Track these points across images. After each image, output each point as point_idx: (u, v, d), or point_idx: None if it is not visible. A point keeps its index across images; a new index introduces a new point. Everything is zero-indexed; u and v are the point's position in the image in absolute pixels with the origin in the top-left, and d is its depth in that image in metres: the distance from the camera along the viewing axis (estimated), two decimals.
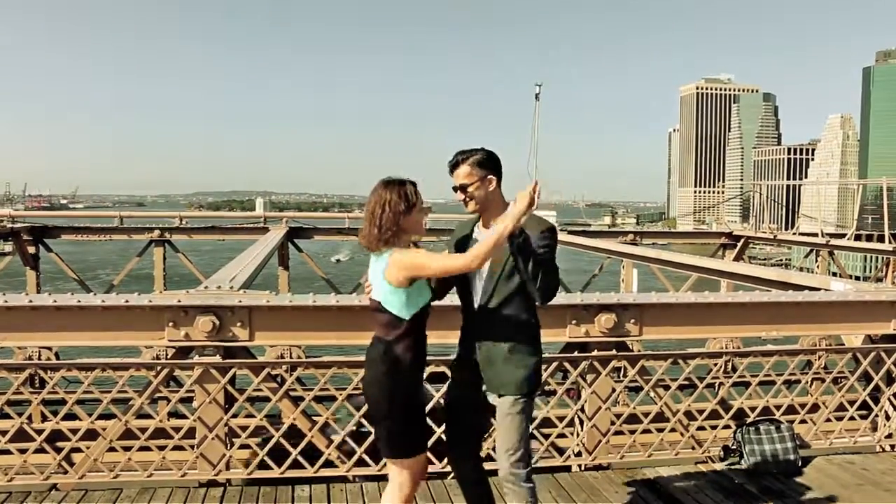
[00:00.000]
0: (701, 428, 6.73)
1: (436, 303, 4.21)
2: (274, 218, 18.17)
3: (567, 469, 6.46)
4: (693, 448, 6.66)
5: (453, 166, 4.20)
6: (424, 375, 4.24)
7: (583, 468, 6.45)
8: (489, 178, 4.18)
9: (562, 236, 15.95)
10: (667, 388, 6.92)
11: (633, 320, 6.39)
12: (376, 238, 3.93)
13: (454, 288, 4.34)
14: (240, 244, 15.63)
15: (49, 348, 11.59)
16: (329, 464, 6.18)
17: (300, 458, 6.07)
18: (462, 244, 4.28)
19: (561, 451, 6.57)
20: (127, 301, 5.85)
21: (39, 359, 11.54)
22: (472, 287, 4.23)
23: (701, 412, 6.78)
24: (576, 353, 6.45)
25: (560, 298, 6.43)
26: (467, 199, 4.19)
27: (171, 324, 5.80)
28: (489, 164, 4.20)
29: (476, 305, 4.20)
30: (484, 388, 4.26)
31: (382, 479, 5.86)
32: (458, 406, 4.42)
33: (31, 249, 15.87)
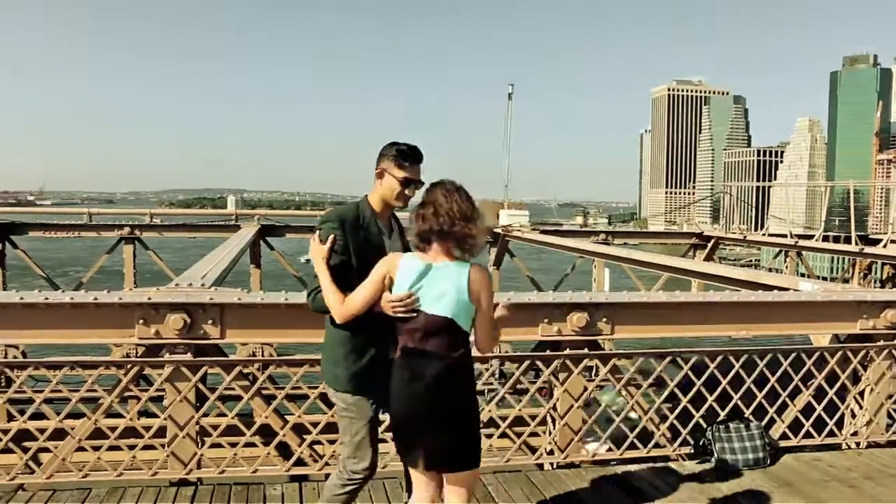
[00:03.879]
0: (672, 427, 6.78)
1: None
2: (246, 216, 18.07)
3: (539, 467, 6.50)
4: (664, 446, 6.71)
5: (419, 159, 4.14)
6: None
7: (555, 466, 6.48)
8: None
9: (534, 235, 16.07)
10: (638, 386, 6.97)
11: (605, 319, 6.43)
12: (450, 243, 3.70)
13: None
14: (211, 242, 15.51)
15: (16, 346, 11.46)
16: (300, 462, 6.16)
17: (272, 457, 6.05)
18: (376, 242, 4.11)
19: (533, 450, 6.61)
20: (96, 298, 5.78)
21: (6, 357, 11.42)
22: None
23: (672, 411, 6.83)
24: (548, 352, 6.48)
25: (532, 297, 6.50)
26: (408, 197, 4.12)
27: (141, 321, 5.73)
28: None
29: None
30: None
31: None
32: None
33: None
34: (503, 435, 6.53)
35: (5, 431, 5.88)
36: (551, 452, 6.53)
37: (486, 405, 6.62)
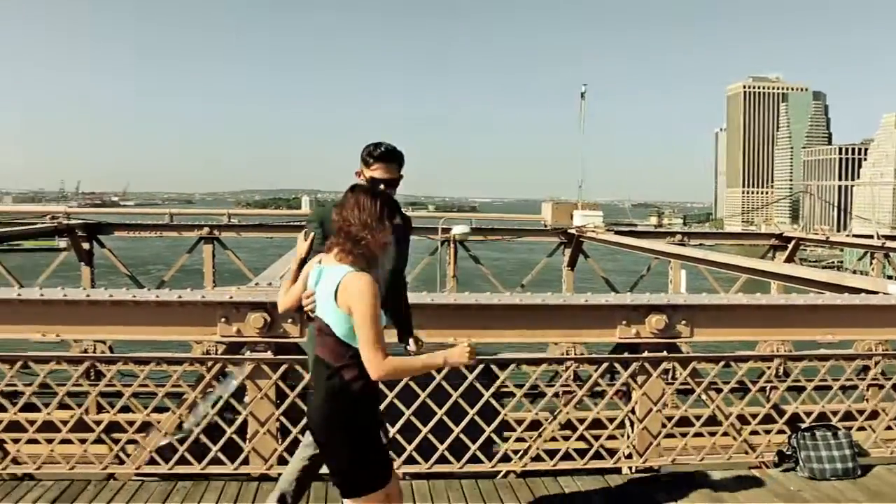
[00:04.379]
0: (754, 432, 6.63)
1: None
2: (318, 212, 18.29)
3: (617, 471, 6.42)
4: (746, 453, 6.56)
5: (384, 157, 4.20)
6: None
7: (633, 470, 6.40)
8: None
9: (609, 236, 15.88)
10: (718, 391, 6.83)
11: (684, 321, 6.32)
12: (342, 247, 3.59)
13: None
14: (287, 242, 15.77)
15: (103, 342, 11.85)
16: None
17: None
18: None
19: (611, 453, 6.54)
20: (180, 297, 5.95)
21: (94, 352, 11.82)
22: None
23: (754, 416, 6.66)
24: (626, 354, 6.41)
25: (610, 298, 6.44)
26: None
27: (223, 319, 5.88)
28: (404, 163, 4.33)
29: None
30: None
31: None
32: None
33: (86, 245, 16.20)
34: (580, 437, 6.47)
35: (97, 423, 6.10)
36: (629, 456, 6.45)
37: (563, 407, 6.58)
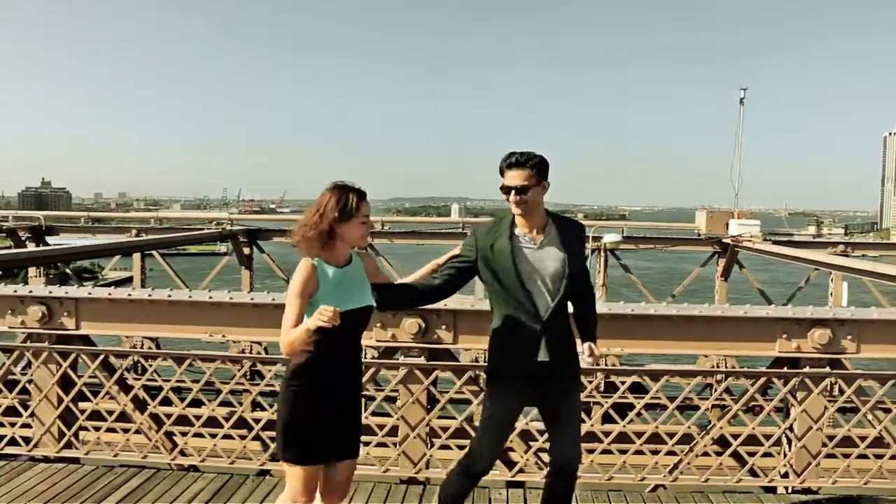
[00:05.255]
0: (862, 456, 6.18)
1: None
2: (472, 224, 18.46)
3: (772, 490, 6.15)
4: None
5: (512, 165, 4.19)
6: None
7: (789, 490, 6.11)
8: (544, 183, 4.23)
9: (766, 246, 15.24)
10: (886, 411, 6.42)
11: (849, 336, 5.98)
12: (299, 241, 3.89)
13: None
14: (436, 249, 16.02)
15: (259, 343, 12.44)
16: (522, 470, 6.22)
17: (498, 462, 6.14)
18: (500, 249, 4.22)
19: (765, 472, 6.27)
20: None
21: (251, 353, 12.43)
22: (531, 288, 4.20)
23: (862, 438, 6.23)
24: (785, 369, 6.13)
25: (770, 311, 6.18)
26: (520, 201, 4.17)
27: (378, 324, 6.03)
28: (545, 169, 4.24)
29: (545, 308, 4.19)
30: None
31: (581, 488, 5.85)
32: (508, 418, 4.45)
33: (246, 250, 17.10)
34: (734, 454, 6.24)
35: (255, 421, 6.41)
36: (786, 475, 6.16)
37: (716, 421, 6.36)
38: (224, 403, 6.47)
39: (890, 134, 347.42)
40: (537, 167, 4.21)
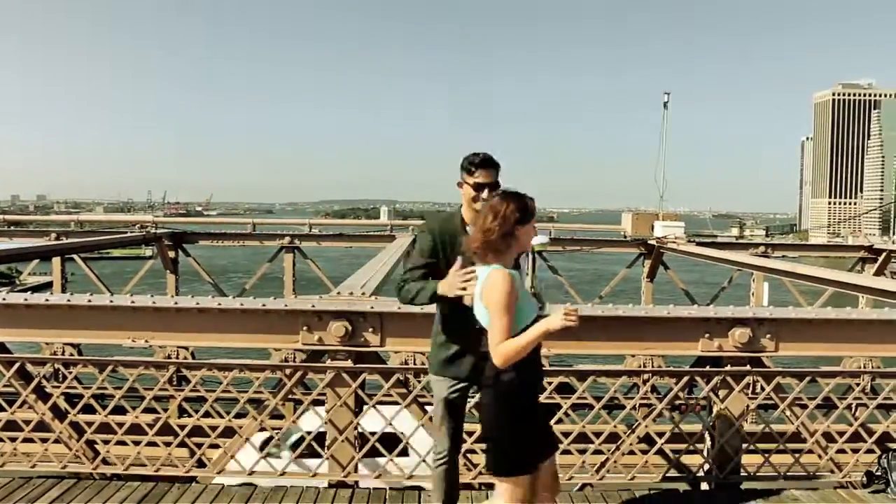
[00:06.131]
0: (841, 451, 6.40)
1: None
2: (400, 226, 18.45)
3: (696, 486, 6.30)
4: (832, 472, 6.36)
5: (483, 164, 4.48)
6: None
7: (712, 486, 6.26)
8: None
9: (690, 247, 15.59)
10: (803, 407, 6.64)
11: (769, 335, 6.15)
12: (484, 248, 3.91)
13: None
14: (365, 251, 15.98)
15: (186, 348, 12.19)
16: None
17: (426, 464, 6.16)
18: (452, 239, 4.48)
19: (690, 468, 6.41)
20: (264, 305, 6.08)
21: (177, 358, 12.16)
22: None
23: (840, 434, 6.45)
24: (707, 368, 6.28)
25: (693, 311, 6.31)
26: (480, 198, 4.44)
27: (305, 328, 5.98)
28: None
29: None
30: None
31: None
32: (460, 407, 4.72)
33: (171, 254, 16.78)
34: (659, 451, 6.37)
35: (181, 427, 6.27)
36: (709, 472, 6.31)
37: (642, 420, 6.49)
38: (148, 410, 6.32)
39: (807, 139, 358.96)
40: (499, 168, 4.54)
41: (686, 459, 6.50)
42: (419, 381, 6.31)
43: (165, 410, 6.32)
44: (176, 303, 6.19)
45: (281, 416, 7.16)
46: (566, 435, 6.17)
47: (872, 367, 10.07)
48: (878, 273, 16.64)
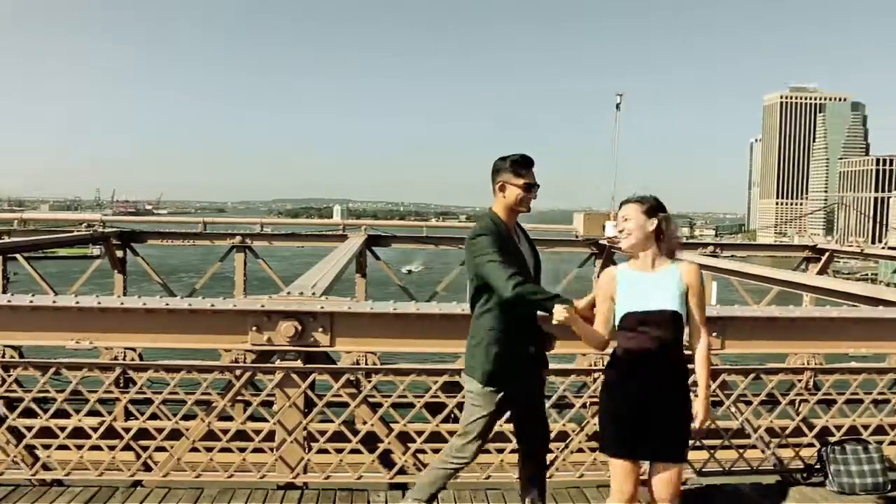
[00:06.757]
0: (783, 446, 6.55)
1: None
2: (353, 226, 18.34)
3: (644, 483, 6.36)
4: (774, 466, 6.49)
5: (532, 164, 4.53)
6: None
7: None
8: None
9: None
10: (748, 403, 6.75)
11: (715, 333, 6.24)
12: (670, 251, 4.21)
13: None
14: (317, 251, 15.87)
15: (133, 349, 11.98)
16: (403, 471, 6.22)
17: (376, 465, 6.14)
18: (515, 248, 4.56)
19: None
20: (213, 305, 6.01)
21: (125, 360, 11.96)
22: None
23: (783, 429, 6.59)
24: None
25: None
26: (532, 200, 4.60)
27: (254, 328, 5.92)
28: None
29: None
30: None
31: (459, 487, 5.91)
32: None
33: (119, 253, 16.48)
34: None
35: (126, 430, 6.15)
36: None
37: (591, 418, 6.54)
38: (92, 413, 6.19)
39: (756, 140, 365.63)
40: None
41: None
42: (369, 382, 6.30)
43: (110, 413, 6.17)
44: (122, 303, 6.08)
45: (230, 418, 7.07)
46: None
47: (815, 364, 10.31)
48: (822, 272, 17.03)
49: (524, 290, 4.24)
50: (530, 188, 4.46)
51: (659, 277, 4.14)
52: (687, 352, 4.23)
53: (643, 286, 4.13)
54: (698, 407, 4.14)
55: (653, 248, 4.17)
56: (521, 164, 4.46)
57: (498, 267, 4.28)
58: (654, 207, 4.17)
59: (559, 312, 4.08)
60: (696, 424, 4.13)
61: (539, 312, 4.42)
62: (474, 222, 4.79)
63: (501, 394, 4.48)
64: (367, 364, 9.90)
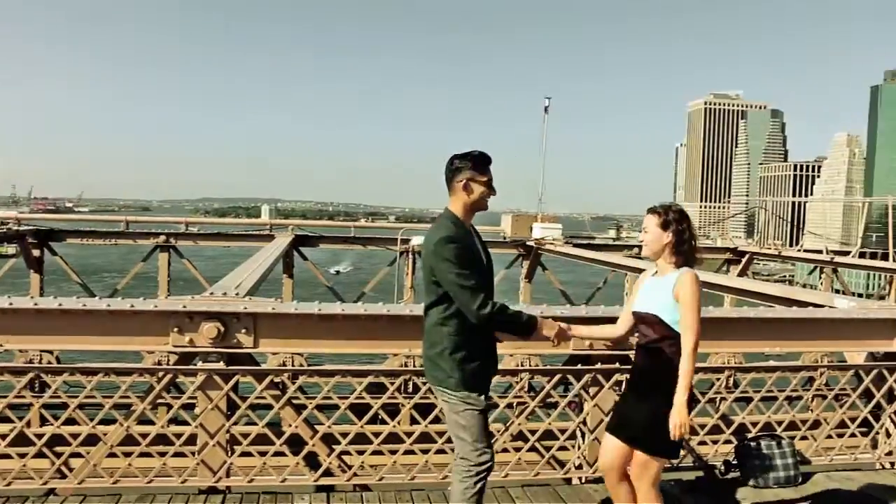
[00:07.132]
0: (703, 443, 6.72)
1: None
2: (280, 226, 18.14)
3: (568, 482, 6.45)
4: (694, 462, 6.64)
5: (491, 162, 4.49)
6: None
7: (583, 481, 6.43)
8: None
9: (567, 248, 15.98)
10: None
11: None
12: (675, 253, 4.47)
13: None
14: (244, 251, 15.65)
15: (50, 352, 11.62)
16: (328, 473, 6.17)
17: (300, 467, 6.08)
18: (478, 249, 4.48)
19: (562, 464, 6.57)
20: (132, 305, 5.85)
21: (41, 362, 11.59)
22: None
23: (703, 426, 6.76)
24: (579, 366, 6.44)
25: (565, 310, 6.46)
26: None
27: (175, 329, 5.78)
28: None
29: None
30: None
31: (384, 488, 5.90)
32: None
33: (36, 252, 15.95)
34: (532, 448, 6.49)
35: (39, 436, 5.94)
36: (580, 467, 6.48)
37: (515, 418, 6.60)
38: (2, 419, 5.97)
39: (681, 145, 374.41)
40: None
41: (559, 455, 6.64)
42: (294, 383, 6.24)
43: (21, 419, 5.92)
44: (36, 304, 5.87)
45: (151, 422, 6.90)
46: (441, 434, 6.20)
47: (735, 363, 10.62)
48: (742, 273, 17.52)
49: (494, 317, 4.29)
50: (492, 186, 4.43)
51: (661, 283, 4.48)
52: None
53: (649, 290, 4.55)
54: (672, 411, 4.28)
55: (665, 255, 4.49)
56: (484, 162, 4.39)
57: (467, 289, 4.22)
58: (669, 221, 4.47)
59: (550, 328, 4.56)
60: (670, 427, 4.27)
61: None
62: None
63: (482, 394, 4.45)
64: (293, 365, 9.80)
